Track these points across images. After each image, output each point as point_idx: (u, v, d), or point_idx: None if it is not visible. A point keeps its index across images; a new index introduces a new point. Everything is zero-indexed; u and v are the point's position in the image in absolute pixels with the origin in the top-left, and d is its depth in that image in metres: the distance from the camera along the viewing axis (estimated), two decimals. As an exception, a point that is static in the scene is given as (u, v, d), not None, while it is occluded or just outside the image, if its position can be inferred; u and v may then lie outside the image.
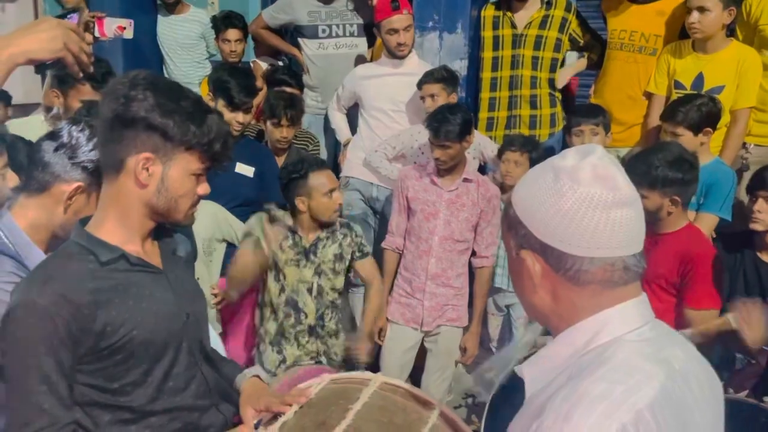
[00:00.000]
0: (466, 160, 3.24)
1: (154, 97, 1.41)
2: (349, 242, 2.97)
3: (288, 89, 3.84)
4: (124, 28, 2.32)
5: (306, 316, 2.90)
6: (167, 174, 1.46)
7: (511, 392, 2.01)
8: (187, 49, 4.70)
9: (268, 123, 3.49)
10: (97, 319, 1.41)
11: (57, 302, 1.37)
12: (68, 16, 1.83)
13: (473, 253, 3.25)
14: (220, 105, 3.13)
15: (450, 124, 3.04)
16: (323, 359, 2.95)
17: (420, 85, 3.56)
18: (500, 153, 3.45)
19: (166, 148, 1.44)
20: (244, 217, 3.13)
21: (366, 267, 3.05)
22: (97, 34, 2.34)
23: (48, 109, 3.08)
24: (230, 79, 3.15)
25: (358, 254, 3.00)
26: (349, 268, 3.04)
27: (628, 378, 1.00)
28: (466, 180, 3.18)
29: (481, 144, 3.69)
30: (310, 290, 2.90)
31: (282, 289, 2.90)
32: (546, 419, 1.00)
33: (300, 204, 2.85)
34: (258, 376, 1.74)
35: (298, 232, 2.90)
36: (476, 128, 3.65)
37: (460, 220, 3.17)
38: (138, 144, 1.43)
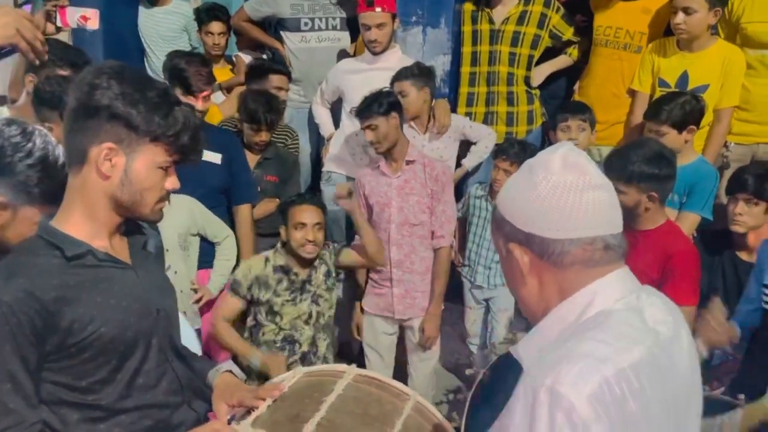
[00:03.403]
0: (408, 144, 3.22)
1: (119, 86, 1.38)
2: (329, 255, 2.97)
3: (276, 77, 3.81)
4: (88, 18, 2.24)
5: (300, 346, 2.88)
6: (131, 166, 1.43)
7: (492, 389, 2.01)
8: (169, 41, 4.62)
9: (246, 126, 3.43)
10: (64, 316, 1.38)
11: (21, 299, 1.34)
12: (22, 5, 1.80)
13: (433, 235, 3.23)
14: (177, 93, 3.05)
15: (370, 103, 3.08)
16: None
17: (392, 83, 3.53)
18: (494, 157, 3.44)
19: (130, 138, 1.41)
20: (212, 204, 3.11)
21: (351, 254, 3.01)
22: (59, 23, 2.27)
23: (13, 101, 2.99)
24: (187, 66, 3.11)
25: (335, 256, 2.98)
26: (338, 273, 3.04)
27: (616, 341, 1.06)
28: (409, 162, 3.17)
29: (461, 125, 3.70)
30: (307, 321, 2.88)
31: (280, 329, 2.87)
32: (533, 371, 1.06)
33: (282, 232, 2.88)
34: (231, 372, 1.72)
35: (293, 269, 2.87)
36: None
37: (411, 203, 3.17)
38: (101, 134, 1.40)
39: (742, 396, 2.15)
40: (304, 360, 2.89)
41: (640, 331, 1.09)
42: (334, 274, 2.98)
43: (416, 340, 3.27)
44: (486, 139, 3.73)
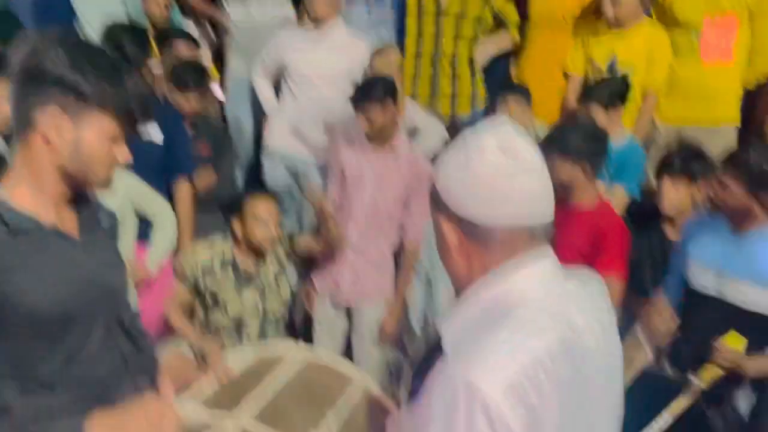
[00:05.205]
0: (397, 132, 3.19)
1: (65, 52, 1.34)
2: (281, 250, 2.93)
3: (184, 46, 3.68)
4: None
5: (248, 337, 2.82)
6: (81, 136, 1.39)
7: (429, 363, 2.08)
8: (103, 7, 4.45)
9: (177, 94, 3.33)
10: (3, 289, 1.35)
11: None
12: None
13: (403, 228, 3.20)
14: None
15: (367, 90, 3.04)
16: None
17: (378, 51, 3.53)
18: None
19: (77, 106, 1.37)
20: (154, 185, 3.03)
21: (306, 240, 3.01)
22: None
23: None
24: (123, 34, 3.04)
25: (287, 244, 2.95)
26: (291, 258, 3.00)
27: (527, 327, 1.08)
28: (395, 153, 3.15)
29: (411, 110, 3.69)
30: (254, 314, 2.84)
31: (226, 313, 2.80)
32: (452, 360, 1.07)
33: (237, 227, 2.82)
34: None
35: (236, 258, 2.83)
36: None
37: (383, 191, 3.13)
38: (46, 101, 1.36)
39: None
40: None
41: (553, 316, 1.10)
42: (286, 270, 2.93)
43: (366, 328, 3.23)
44: (435, 135, 3.68)
